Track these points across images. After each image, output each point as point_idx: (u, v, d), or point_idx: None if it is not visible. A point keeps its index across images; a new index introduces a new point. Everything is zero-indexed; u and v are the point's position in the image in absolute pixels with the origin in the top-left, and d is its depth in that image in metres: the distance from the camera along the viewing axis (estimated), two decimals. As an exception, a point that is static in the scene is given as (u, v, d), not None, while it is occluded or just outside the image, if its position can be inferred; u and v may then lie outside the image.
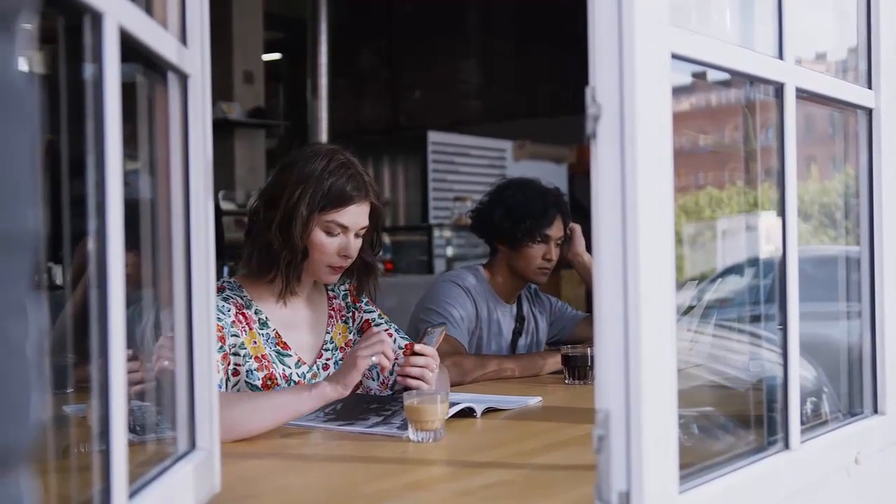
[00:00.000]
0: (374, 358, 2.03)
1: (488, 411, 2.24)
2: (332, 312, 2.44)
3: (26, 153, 0.53)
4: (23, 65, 0.55)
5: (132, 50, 1.13)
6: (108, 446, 1.02)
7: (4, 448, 0.52)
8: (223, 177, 7.44)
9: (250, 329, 2.24)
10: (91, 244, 1.01)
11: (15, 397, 0.51)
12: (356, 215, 2.27)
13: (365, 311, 2.50)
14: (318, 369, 2.35)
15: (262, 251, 2.26)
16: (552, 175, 6.20)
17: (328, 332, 2.41)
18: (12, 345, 0.51)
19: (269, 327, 2.28)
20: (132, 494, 1.11)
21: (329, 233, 2.25)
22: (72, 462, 1.28)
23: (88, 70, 1.02)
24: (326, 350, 2.39)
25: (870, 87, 1.85)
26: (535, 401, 2.41)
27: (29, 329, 0.53)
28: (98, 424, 1.02)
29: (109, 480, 1.02)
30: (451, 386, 2.69)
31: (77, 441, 1.47)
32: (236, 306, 2.24)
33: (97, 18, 1.01)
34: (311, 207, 2.22)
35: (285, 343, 2.30)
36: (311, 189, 2.21)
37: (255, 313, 2.28)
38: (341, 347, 2.42)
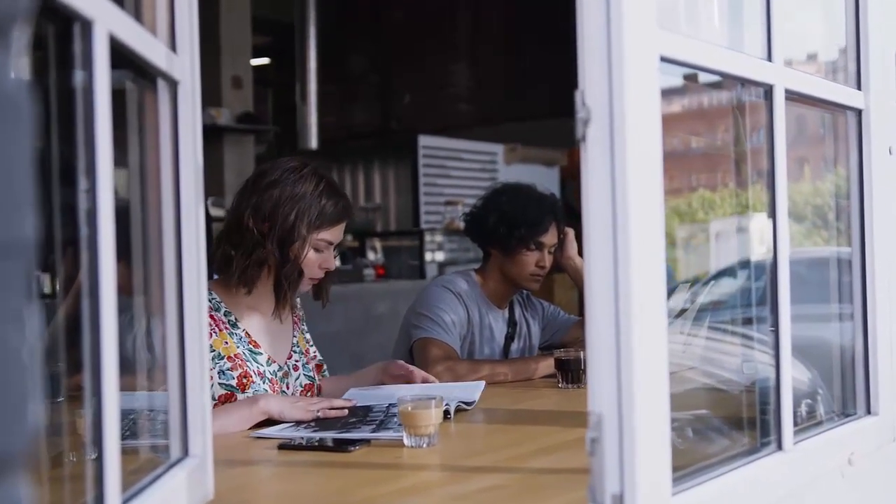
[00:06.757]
0: (319, 413, 2.18)
1: (460, 411, 2.27)
2: (296, 320, 2.56)
3: (24, 161, 0.53)
4: (18, 73, 0.55)
5: (121, 56, 1.13)
6: (102, 454, 1.02)
7: (2, 455, 0.52)
8: (212, 183, 7.40)
9: (220, 331, 2.32)
10: (83, 252, 1.01)
11: (13, 404, 0.51)
12: (341, 232, 2.43)
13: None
14: (289, 369, 2.46)
15: (254, 266, 2.33)
16: (543, 178, 6.19)
17: (294, 337, 2.53)
18: (11, 352, 0.51)
19: (239, 328, 2.36)
20: (125, 502, 1.10)
21: (317, 250, 2.38)
22: (63, 470, 1.28)
23: (78, 77, 1.02)
24: (295, 352, 2.51)
25: (859, 88, 1.86)
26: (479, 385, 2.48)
27: (26, 336, 0.53)
28: (91, 432, 1.02)
29: (103, 488, 1.02)
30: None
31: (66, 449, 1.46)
32: None
33: (87, 26, 1.01)
34: (308, 228, 2.33)
35: (255, 342, 2.39)
36: (307, 210, 2.33)
37: (225, 315, 2.36)
38: (304, 352, 2.54)
